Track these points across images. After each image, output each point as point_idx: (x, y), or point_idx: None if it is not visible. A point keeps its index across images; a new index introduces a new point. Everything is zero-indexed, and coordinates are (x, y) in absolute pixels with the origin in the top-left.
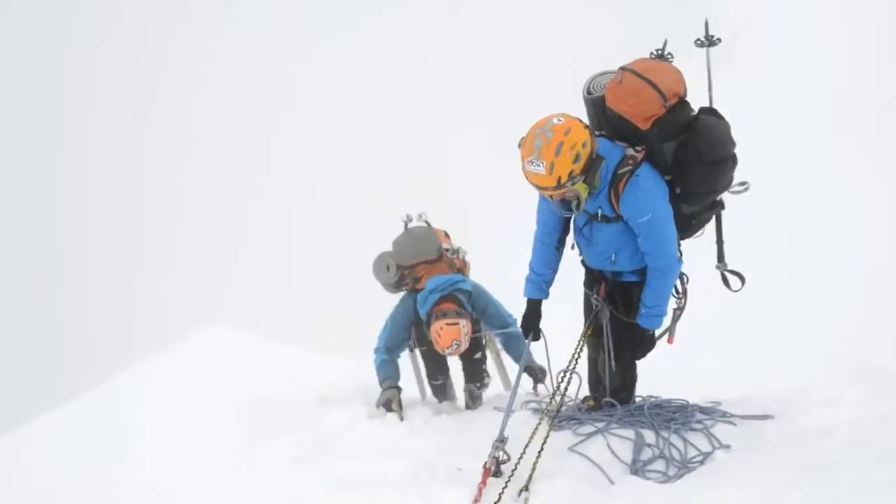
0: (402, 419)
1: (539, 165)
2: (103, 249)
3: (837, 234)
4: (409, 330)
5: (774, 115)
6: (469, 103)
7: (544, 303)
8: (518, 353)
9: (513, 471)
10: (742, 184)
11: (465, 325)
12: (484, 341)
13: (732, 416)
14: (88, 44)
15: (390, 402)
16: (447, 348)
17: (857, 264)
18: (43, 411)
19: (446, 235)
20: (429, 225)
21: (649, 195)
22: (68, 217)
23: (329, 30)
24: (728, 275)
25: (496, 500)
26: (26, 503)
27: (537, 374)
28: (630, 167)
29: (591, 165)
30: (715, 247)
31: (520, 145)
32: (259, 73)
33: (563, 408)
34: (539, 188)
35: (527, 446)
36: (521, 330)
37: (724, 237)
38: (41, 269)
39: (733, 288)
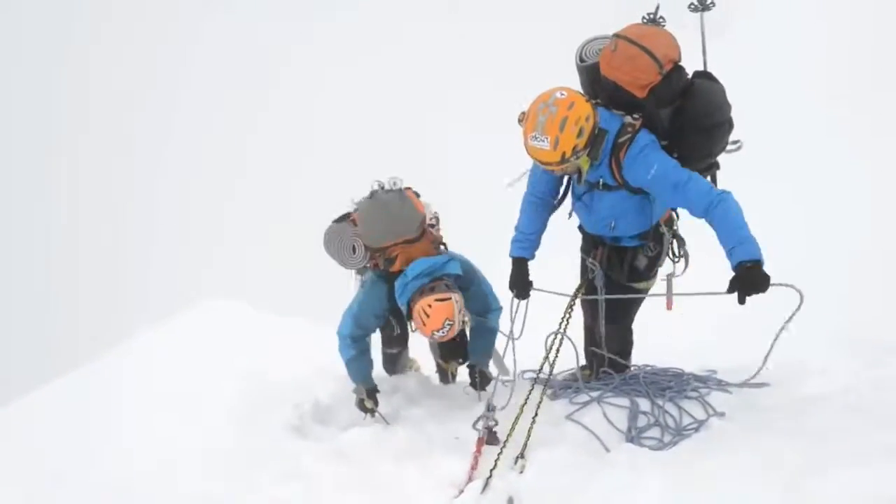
0: (388, 423)
1: (543, 141)
2: (91, 234)
3: (838, 198)
4: (382, 318)
5: (770, 80)
6: (468, 81)
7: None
8: (480, 346)
9: (507, 437)
10: (734, 142)
11: (458, 300)
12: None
13: (728, 384)
14: (81, 41)
15: (363, 401)
16: (438, 330)
17: (859, 233)
18: (37, 387)
19: (417, 197)
20: (402, 191)
21: (647, 151)
22: (58, 208)
23: (328, 7)
24: None
25: (492, 466)
26: (26, 479)
27: (477, 377)
28: (629, 135)
29: (595, 139)
30: None
31: (520, 121)
32: (255, 51)
33: (560, 376)
34: (542, 163)
35: (520, 413)
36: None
37: None
38: (29, 259)
39: None
